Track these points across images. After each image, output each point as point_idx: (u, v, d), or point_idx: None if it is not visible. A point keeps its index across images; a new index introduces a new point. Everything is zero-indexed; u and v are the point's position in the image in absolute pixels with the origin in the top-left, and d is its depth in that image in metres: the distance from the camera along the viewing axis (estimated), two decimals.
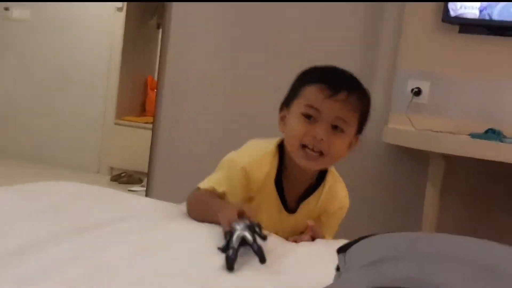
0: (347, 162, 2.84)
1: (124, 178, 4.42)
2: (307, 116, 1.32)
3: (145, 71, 4.89)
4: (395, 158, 2.75)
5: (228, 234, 1.11)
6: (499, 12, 2.48)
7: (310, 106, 1.32)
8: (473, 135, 2.29)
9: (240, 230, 1.10)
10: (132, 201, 1.45)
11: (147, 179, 3.20)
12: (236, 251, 1.06)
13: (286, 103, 1.40)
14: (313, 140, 1.30)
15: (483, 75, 2.57)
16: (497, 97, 2.55)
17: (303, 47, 2.88)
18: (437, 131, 2.46)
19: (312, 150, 1.31)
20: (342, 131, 1.33)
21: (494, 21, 2.49)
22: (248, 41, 2.97)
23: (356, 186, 2.83)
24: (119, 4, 4.69)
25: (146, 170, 3.21)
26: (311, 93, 1.33)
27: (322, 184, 1.43)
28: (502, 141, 2.20)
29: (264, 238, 1.12)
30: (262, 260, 1.07)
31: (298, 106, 1.34)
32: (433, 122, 2.55)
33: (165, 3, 3.09)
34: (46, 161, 4.75)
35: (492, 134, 2.24)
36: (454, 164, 2.49)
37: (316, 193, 1.43)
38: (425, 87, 2.63)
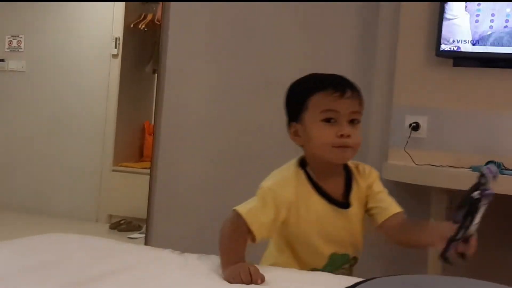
0: None
1: (123, 226, 4.38)
2: (327, 120, 1.44)
3: (142, 116, 4.91)
4: (396, 194, 2.69)
5: None
6: (491, 44, 2.50)
7: (328, 110, 1.44)
8: (474, 168, 2.27)
9: None
10: (132, 251, 1.42)
11: (146, 226, 3.17)
12: None
13: (294, 119, 1.50)
14: (341, 138, 1.43)
15: (480, 107, 2.57)
16: (495, 129, 2.54)
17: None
18: (437, 166, 2.45)
19: (342, 146, 1.44)
20: (358, 122, 1.48)
21: (487, 53, 2.51)
22: (243, 83, 2.98)
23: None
24: (114, 51, 4.74)
25: (145, 217, 3.17)
26: (323, 99, 1.46)
27: (353, 171, 1.55)
28: (502, 173, 2.18)
29: None
30: None
31: (313, 116, 1.46)
32: (432, 156, 2.53)
33: (160, 52, 3.12)
34: (45, 211, 4.72)
35: (492, 166, 2.22)
36: (456, 199, 2.46)
37: (354, 181, 1.54)
38: (422, 121, 2.63)
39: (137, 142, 4.92)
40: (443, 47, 2.54)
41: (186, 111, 3.06)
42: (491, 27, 2.51)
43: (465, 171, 2.31)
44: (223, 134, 3.01)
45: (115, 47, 4.74)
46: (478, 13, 2.52)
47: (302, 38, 2.90)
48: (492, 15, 2.51)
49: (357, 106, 1.47)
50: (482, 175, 1.19)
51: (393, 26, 2.73)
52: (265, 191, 1.43)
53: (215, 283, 1.20)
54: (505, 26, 2.49)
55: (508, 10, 2.49)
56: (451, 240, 1.21)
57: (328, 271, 1.47)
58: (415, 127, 2.62)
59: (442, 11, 2.53)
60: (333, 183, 1.49)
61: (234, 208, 1.42)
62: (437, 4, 2.56)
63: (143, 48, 4.82)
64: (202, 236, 2.89)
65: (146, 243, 3.09)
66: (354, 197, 1.52)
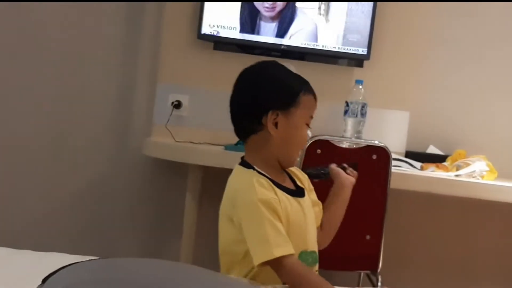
0: (109, 175, 2.86)
1: None
2: (307, 125, 1.47)
3: None
4: (156, 170, 2.83)
5: None
6: (248, 32, 2.71)
7: (311, 116, 1.47)
8: (227, 147, 2.47)
9: None
10: None
11: None
12: None
13: (283, 108, 1.42)
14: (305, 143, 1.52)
15: None
16: None
17: (64, 58, 2.82)
18: (196, 143, 2.60)
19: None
20: None
21: (244, 40, 2.72)
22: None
23: (119, 198, 2.86)
24: None
25: None
26: (311, 104, 1.47)
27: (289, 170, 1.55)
28: None
29: None
30: None
31: (302, 116, 1.44)
32: (192, 133, 2.68)
33: None
34: None
35: (241, 145, 2.42)
36: (211, 174, 2.65)
37: (292, 175, 1.55)
38: (184, 100, 2.75)
39: None
40: (204, 30, 2.68)
41: None
42: (250, 15, 2.72)
43: (218, 149, 2.50)
44: None
45: None
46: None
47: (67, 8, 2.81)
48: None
49: None
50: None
51: (159, 6, 2.80)
52: (257, 206, 1.35)
53: None
54: (261, 17, 2.72)
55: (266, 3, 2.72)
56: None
57: None
58: (177, 105, 2.74)
59: None
60: (282, 179, 1.47)
61: (268, 259, 1.33)
62: None
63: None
64: None
65: None
66: (303, 186, 1.55)
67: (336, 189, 1.64)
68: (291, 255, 1.36)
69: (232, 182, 1.46)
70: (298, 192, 1.50)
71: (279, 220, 1.37)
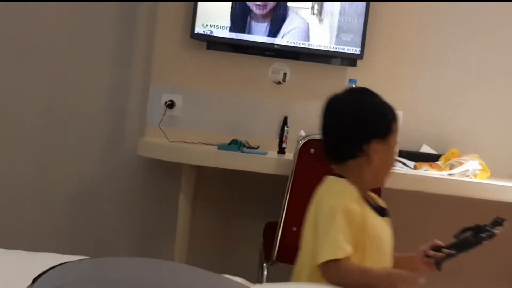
0: (103, 175, 2.85)
1: None
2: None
3: None
4: (150, 170, 2.82)
5: None
6: (242, 31, 2.70)
7: (397, 141, 1.55)
8: (220, 147, 2.46)
9: None
10: None
11: None
12: None
13: (382, 136, 1.51)
14: None
15: (229, 89, 2.78)
16: (241, 110, 2.77)
17: (57, 59, 2.80)
18: (190, 143, 2.59)
19: None
20: None
21: (238, 40, 2.71)
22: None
23: (113, 198, 2.85)
24: None
25: None
26: (398, 130, 1.54)
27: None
28: (242, 151, 2.40)
29: None
30: None
31: (394, 142, 1.53)
32: (186, 133, 2.67)
33: None
34: None
35: (235, 145, 2.43)
36: (205, 173, 2.65)
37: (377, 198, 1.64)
38: (178, 100, 2.75)
39: None
40: (198, 30, 2.68)
41: None
42: (241, 14, 2.71)
43: (211, 149, 2.49)
44: None
45: None
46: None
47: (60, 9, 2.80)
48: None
49: None
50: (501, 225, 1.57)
51: (152, 7, 2.79)
52: (338, 212, 1.42)
53: None
54: (252, 16, 2.72)
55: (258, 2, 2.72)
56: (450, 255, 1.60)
57: None
58: (170, 105, 2.73)
59: None
60: (370, 199, 1.57)
61: (329, 259, 1.38)
62: None
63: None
64: None
65: None
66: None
67: (409, 263, 1.65)
68: (350, 259, 1.41)
69: (323, 189, 1.54)
70: (382, 211, 1.58)
71: (349, 233, 1.43)
